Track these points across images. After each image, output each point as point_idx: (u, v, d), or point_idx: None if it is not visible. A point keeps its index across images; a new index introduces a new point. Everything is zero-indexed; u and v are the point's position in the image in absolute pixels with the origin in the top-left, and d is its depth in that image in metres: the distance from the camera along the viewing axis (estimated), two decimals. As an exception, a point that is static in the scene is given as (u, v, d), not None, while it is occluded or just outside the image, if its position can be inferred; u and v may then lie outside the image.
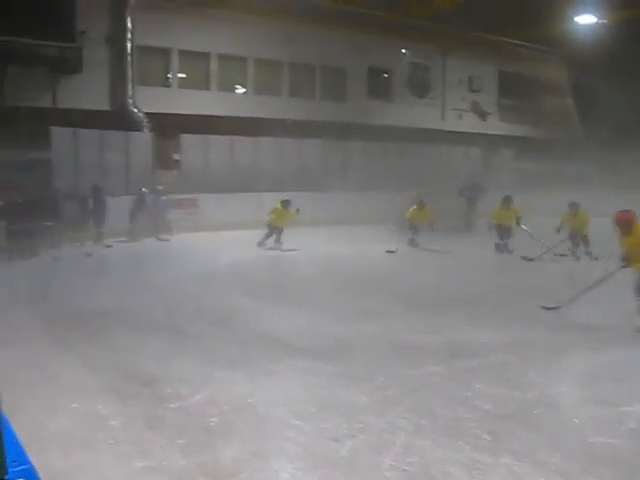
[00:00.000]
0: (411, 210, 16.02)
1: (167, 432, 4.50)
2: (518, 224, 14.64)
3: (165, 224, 17.49)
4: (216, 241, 16.58)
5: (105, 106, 19.76)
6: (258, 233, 15.51)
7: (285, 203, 15.72)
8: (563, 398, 5.15)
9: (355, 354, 6.43)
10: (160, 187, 17.88)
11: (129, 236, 16.58)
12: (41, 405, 4.99)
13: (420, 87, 27.36)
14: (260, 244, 15.33)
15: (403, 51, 26.65)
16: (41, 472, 2.14)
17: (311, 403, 5.02)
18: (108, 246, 15.30)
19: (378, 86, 26.44)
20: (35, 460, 3.67)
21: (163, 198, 17.72)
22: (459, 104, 28.41)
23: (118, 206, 16.46)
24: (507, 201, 15.11)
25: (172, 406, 4.97)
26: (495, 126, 29.03)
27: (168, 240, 16.85)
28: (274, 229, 15.49)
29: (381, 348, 6.68)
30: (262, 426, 4.59)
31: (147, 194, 17.27)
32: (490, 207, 19.81)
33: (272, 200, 17.97)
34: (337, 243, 15.76)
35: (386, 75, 26.84)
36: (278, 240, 15.31)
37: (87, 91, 19.03)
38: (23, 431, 4.23)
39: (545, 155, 24.46)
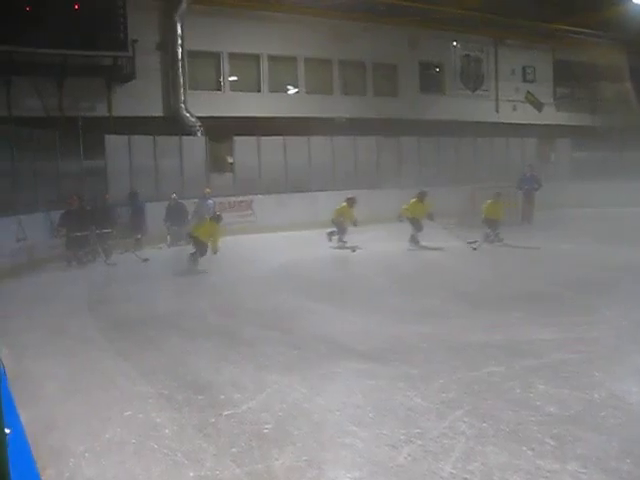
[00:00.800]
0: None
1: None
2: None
3: None
4: (271, 242, 16.60)
5: (158, 112, 20.05)
6: (312, 233, 15.46)
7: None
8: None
9: (413, 355, 6.29)
10: (208, 190, 17.87)
11: (169, 242, 16.66)
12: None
13: (473, 79, 26.94)
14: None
15: (454, 44, 26.28)
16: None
17: (368, 408, 4.92)
18: (145, 260, 14.41)
19: (430, 80, 26.14)
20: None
21: (210, 202, 17.61)
22: (513, 95, 27.85)
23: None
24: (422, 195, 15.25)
25: (225, 413, 4.93)
26: (551, 116, 28.38)
27: None
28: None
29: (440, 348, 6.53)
30: (317, 433, 4.51)
31: (176, 199, 17.15)
32: (549, 199, 19.52)
33: (325, 199, 17.97)
34: (394, 240, 15.57)
35: (437, 69, 26.49)
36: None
37: (140, 98, 19.36)
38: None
39: (605, 143, 23.80)
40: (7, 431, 1.74)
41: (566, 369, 5.62)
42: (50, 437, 4.60)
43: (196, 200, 17.57)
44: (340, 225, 15.27)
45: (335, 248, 14.88)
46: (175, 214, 16.94)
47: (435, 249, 14.34)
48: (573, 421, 4.51)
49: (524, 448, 4.11)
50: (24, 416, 4.92)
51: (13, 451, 1.79)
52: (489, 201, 15.59)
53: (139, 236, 16.02)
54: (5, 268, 11.85)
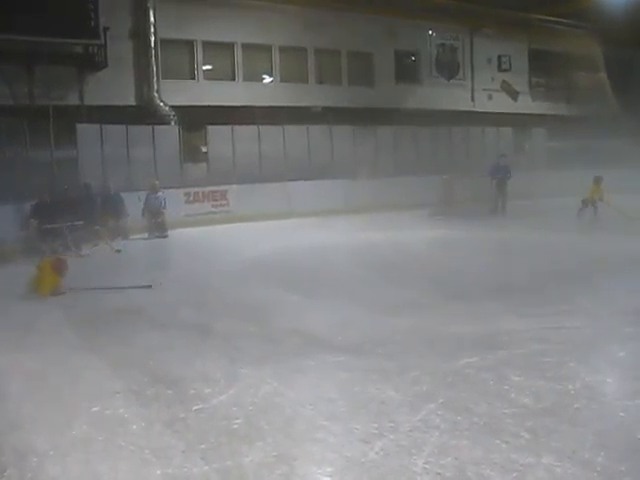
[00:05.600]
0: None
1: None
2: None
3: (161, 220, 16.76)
4: (246, 232, 16.49)
5: (131, 101, 19.80)
6: (287, 223, 15.33)
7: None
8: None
9: (389, 348, 6.21)
10: (156, 182, 17.05)
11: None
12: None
13: (448, 68, 26.93)
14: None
15: (430, 32, 26.22)
16: None
17: (341, 402, 4.84)
18: (118, 250, 14.18)
19: (406, 69, 26.09)
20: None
21: (160, 194, 16.91)
22: (489, 84, 27.90)
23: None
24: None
25: (195, 408, 4.83)
26: (527, 105, 28.49)
27: (166, 237, 16.42)
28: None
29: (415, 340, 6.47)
30: (289, 428, 4.42)
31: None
32: (524, 189, 19.56)
33: (300, 189, 17.85)
34: (371, 230, 15.53)
35: (413, 58, 26.44)
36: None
37: (113, 87, 19.12)
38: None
39: (579, 133, 23.93)
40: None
41: (541, 360, 5.57)
42: (13, 435, 4.47)
43: (142, 193, 16.91)
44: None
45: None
46: (111, 206, 16.21)
47: (414, 239, 14.30)
48: (548, 413, 4.45)
49: (498, 441, 4.04)
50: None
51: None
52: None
53: (97, 227, 15.37)
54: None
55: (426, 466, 3.77)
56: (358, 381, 5.24)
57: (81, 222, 14.33)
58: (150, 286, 9.57)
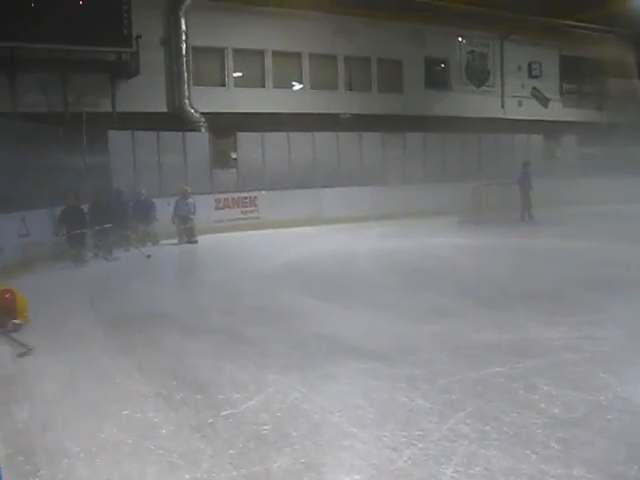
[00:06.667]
0: None
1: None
2: None
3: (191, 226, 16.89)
4: (275, 239, 16.55)
5: (162, 108, 20.00)
6: (316, 230, 15.35)
7: None
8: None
9: (418, 355, 6.19)
10: (186, 188, 17.18)
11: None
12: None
13: (478, 75, 26.81)
14: None
15: (460, 39, 26.13)
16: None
17: (369, 409, 4.83)
18: (148, 256, 14.24)
19: (435, 76, 26.02)
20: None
21: (190, 200, 17.07)
22: (519, 91, 27.70)
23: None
24: None
25: (224, 413, 4.85)
26: (557, 112, 28.23)
27: (195, 242, 16.55)
28: None
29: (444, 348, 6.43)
30: (317, 435, 4.42)
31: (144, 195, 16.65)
32: (555, 196, 19.40)
33: (330, 196, 17.88)
34: (401, 237, 15.49)
35: (443, 65, 26.36)
36: None
37: (144, 94, 19.34)
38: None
39: (611, 139, 23.65)
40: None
41: (572, 370, 5.51)
42: (45, 437, 4.53)
43: (172, 199, 17.07)
44: None
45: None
46: (142, 211, 16.41)
47: (443, 246, 14.25)
48: (579, 424, 4.39)
49: (528, 452, 4.00)
50: (20, 415, 4.91)
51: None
52: None
53: (128, 232, 15.54)
54: (6, 264, 11.75)
55: (455, 475, 3.74)
56: (386, 388, 5.22)
57: (109, 225, 14.43)
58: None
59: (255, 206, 19.29)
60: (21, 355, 6.61)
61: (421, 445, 4.15)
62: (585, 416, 4.54)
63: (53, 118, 16.85)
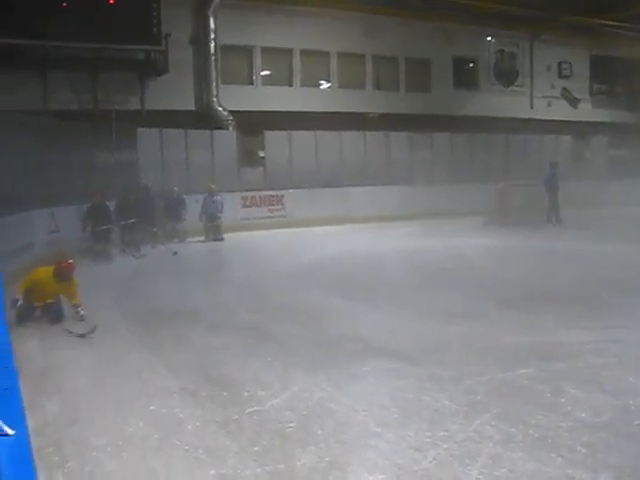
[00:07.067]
0: None
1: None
2: None
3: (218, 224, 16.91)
4: (301, 237, 16.58)
5: (190, 106, 20.11)
6: (343, 229, 15.33)
7: None
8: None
9: (443, 356, 6.18)
10: (213, 186, 17.14)
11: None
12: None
13: (507, 75, 26.57)
14: None
15: (489, 39, 25.95)
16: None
17: (394, 409, 4.83)
18: (174, 253, 14.35)
19: (464, 76, 25.85)
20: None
21: (217, 198, 17.07)
22: (548, 91, 27.40)
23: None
24: None
25: (249, 410, 4.89)
26: (587, 112, 27.88)
27: (222, 240, 16.58)
28: None
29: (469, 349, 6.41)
30: (341, 433, 4.44)
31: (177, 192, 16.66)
32: (584, 198, 19.17)
33: (357, 195, 17.85)
34: (426, 237, 15.42)
35: (472, 64, 26.19)
36: None
37: (173, 92, 19.43)
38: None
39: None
40: (10, 432, 1.65)
41: (599, 373, 5.47)
42: (73, 430, 4.60)
43: (199, 197, 17.04)
44: None
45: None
46: (173, 208, 16.45)
47: (468, 246, 14.19)
48: (606, 428, 4.37)
49: (553, 455, 3.99)
50: (49, 407, 4.98)
51: (12, 455, 1.69)
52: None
53: (155, 229, 15.60)
54: (35, 260, 11.90)
55: (479, 477, 3.75)
56: (412, 389, 5.23)
57: (133, 220, 14.52)
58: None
59: (282, 204, 19.32)
60: (83, 335, 7.14)
61: (446, 446, 4.16)
62: (612, 420, 4.51)
63: (83, 116, 17.03)
